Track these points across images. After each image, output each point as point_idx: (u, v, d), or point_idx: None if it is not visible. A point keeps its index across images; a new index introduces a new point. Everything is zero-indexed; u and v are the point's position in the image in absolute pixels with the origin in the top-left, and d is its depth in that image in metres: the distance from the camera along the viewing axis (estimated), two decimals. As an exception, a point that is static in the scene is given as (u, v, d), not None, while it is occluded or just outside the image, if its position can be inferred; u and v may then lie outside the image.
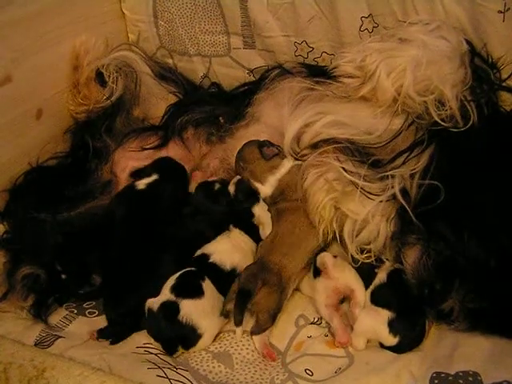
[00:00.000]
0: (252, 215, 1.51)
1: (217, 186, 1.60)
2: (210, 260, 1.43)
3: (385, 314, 1.27)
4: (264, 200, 1.51)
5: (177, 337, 1.30)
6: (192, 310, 1.30)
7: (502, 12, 1.45)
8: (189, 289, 1.34)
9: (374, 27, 1.64)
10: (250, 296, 1.31)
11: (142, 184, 1.59)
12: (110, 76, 1.79)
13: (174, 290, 1.33)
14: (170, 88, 1.90)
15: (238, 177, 1.56)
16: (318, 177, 1.39)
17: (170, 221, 1.53)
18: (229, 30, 1.88)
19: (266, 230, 1.48)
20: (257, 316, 1.32)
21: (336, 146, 1.40)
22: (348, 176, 1.35)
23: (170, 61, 2.02)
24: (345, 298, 1.39)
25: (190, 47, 1.96)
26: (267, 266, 1.35)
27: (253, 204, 1.51)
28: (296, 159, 1.50)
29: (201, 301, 1.32)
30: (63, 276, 1.48)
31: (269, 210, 1.49)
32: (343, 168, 1.36)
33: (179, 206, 1.59)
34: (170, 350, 1.31)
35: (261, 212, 1.51)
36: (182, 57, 2.00)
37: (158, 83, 1.89)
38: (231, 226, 1.50)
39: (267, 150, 1.51)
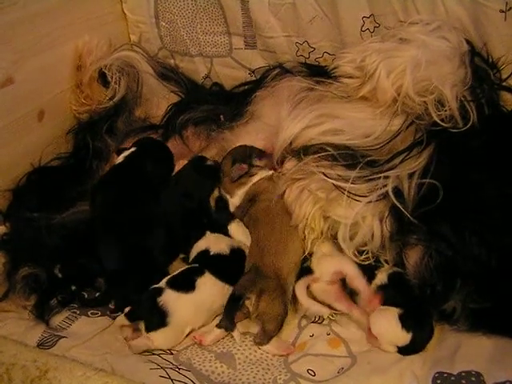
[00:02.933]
0: (227, 231, 1.53)
1: (209, 161, 1.63)
2: (212, 253, 1.44)
3: (393, 310, 1.27)
4: (235, 213, 1.53)
5: (144, 309, 1.32)
6: (171, 300, 1.32)
7: (503, 11, 1.45)
8: (180, 282, 1.37)
9: (375, 27, 1.64)
10: (240, 301, 1.31)
11: (120, 158, 1.62)
12: (112, 76, 1.80)
13: (170, 280, 1.37)
14: (172, 87, 1.90)
15: (218, 194, 1.58)
16: (301, 190, 1.40)
17: (153, 195, 1.56)
18: (230, 31, 1.88)
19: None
20: (264, 326, 1.31)
21: (319, 155, 1.40)
22: (330, 180, 1.35)
23: (171, 61, 2.03)
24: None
25: (192, 48, 1.96)
26: (263, 272, 1.35)
27: (229, 221, 1.53)
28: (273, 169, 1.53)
29: (187, 295, 1.34)
30: (73, 288, 1.49)
31: (244, 223, 1.51)
32: (324, 173, 1.36)
33: (163, 182, 1.61)
34: (132, 316, 1.32)
35: (236, 229, 1.52)
36: (184, 57, 2.00)
37: (160, 83, 1.90)
38: (208, 233, 1.51)
39: (235, 170, 1.52)
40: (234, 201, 1.52)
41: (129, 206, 1.53)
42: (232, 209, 1.53)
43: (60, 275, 1.48)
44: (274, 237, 1.40)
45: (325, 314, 1.36)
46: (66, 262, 1.49)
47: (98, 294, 1.49)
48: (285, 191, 1.43)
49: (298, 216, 1.40)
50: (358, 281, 1.35)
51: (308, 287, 1.37)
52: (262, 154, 1.57)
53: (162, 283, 1.36)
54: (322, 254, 1.40)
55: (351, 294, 1.39)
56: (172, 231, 1.52)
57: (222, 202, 1.56)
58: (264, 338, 1.30)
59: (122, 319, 1.34)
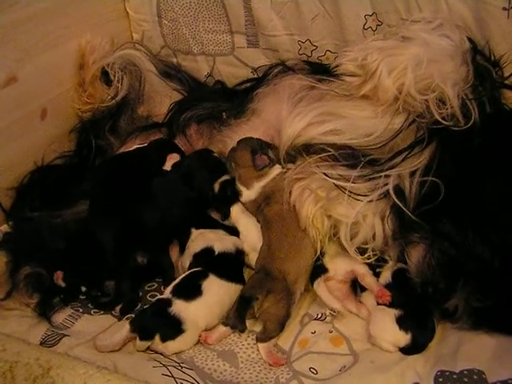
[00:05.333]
0: (228, 214, 1.54)
1: (215, 154, 1.63)
2: (216, 252, 1.45)
3: (390, 312, 1.27)
4: (244, 204, 1.52)
5: (159, 324, 1.31)
6: (182, 309, 1.32)
7: (506, 9, 1.45)
8: (185, 289, 1.36)
9: (377, 25, 1.64)
10: (251, 302, 1.32)
11: (133, 147, 1.65)
12: (114, 75, 1.80)
13: (174, 289, 1.36)
14: (174, 85, 1.91)
15: (225, 178, 1.57)
16: (302, 189, 1.40)
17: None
18: (232, 29, 1.88)
19: (243, 234, 1.51)
20: (265, 324, 1.31)
21: (320, 155, 1.40)
22: (331, 180, 1.35)
23: (174, 60, 2.03)
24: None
25: (194, 46, 1.97)
26: (271, 273, 1.35)
27: (232, 204, 1.54)
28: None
29: (196, 301, 1.34)
30: (83, 289, 1.50)
31: (258, 220, 1.50)
32: (325, 174, 1.36)
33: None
34: (146, 335, 1.31)
35: (237, 213, 1.53)
36: (186, 56, 2.01)
37: (163, 81, 1.90)
38: (194, 230, 1.52)
39: (259, 160, 1.51)
40: (250, 193, 1.50)
41: (126, 184, 1.55)
42: (245, 200, 1.52)
43: (63, 284, 1.48)
44: (286, 241, 1.40)
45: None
46: (69, 272, 1.48)
47: (108, 298, 1.49)
48: (290, 192, 1.43)
49: (302, 216, 1.40)
50: (369, 278, 1.36)
51: None
52: (272, 145, 1.56)
53: (167, 294, 1.36)
54: (335, 252, 1.41)
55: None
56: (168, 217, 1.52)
57: (228, 184, 1.55)
58: (264, 336, 1.31)
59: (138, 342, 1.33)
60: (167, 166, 1.60)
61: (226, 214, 1.53)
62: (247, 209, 1.53)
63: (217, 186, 1.56)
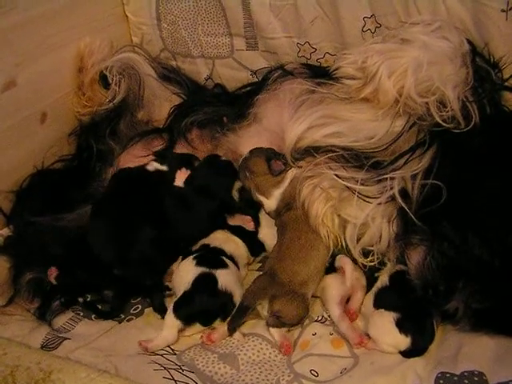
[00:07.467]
0: (259, 221, 1.55)
1: (223, 158, 1.63)
2: (212, 245, 1.48)
3: (389, 315, 1.27)
4: (269, 214, 1.52)
5: (218, 306, 1.33)
6: (227, 279, 1.35)
7: (504, 11, 1.44)
8: (215, 261, 1.39)
9: (376, 27, 1.64)
10: (248, 311, 1.34)
11: (152, 166, 1.64)
12: (113, 78, 1.79)
13: (203, 263, 1.38)
14: (174, 89, 1.90)
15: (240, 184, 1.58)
16: (313, 187, 1.40)
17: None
18: (231, 32, 1.88)
19: (265, 237, 1.54)
20: (282, 319, 1.32)
21: (330, 155, 1.41)
22: (342, 182, 1.36)
23: (173, 63, 2.03)
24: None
25: (193, 49, 1.97)
26: (277, 276, 1.35)
27: (258, 210, 1.55)
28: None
29: (230, 271, 1.38)
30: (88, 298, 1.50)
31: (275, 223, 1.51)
32: (336, 175, 1.37)
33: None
34: (209, 321, 1.34)
35: (264, 217, 1.54)
36: (186, 59, 2.01)
37: (162, 84, 1.89)
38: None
39: (275, 166, 1.50)
40: (271, 202, 1.49)
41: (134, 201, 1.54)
42: (267, 211, 1.52)
43: (55, 282, 1.47)
44: (298, 243, 1.40)
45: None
46: (65, 274, 1.48)
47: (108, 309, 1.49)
48: (300, 190, 1.43)
49: (311, 214, 1.40)
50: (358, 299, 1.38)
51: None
52: (281, 154, 1.55)
53: (200, 269, 1.37)
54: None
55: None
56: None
57: (246, 193, 1.55)
58: (278, 323, 1.32)
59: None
60: (178, 182, 1.59)
61: (259, 221, 1.54)
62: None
63: (235, 194, 1.58)
